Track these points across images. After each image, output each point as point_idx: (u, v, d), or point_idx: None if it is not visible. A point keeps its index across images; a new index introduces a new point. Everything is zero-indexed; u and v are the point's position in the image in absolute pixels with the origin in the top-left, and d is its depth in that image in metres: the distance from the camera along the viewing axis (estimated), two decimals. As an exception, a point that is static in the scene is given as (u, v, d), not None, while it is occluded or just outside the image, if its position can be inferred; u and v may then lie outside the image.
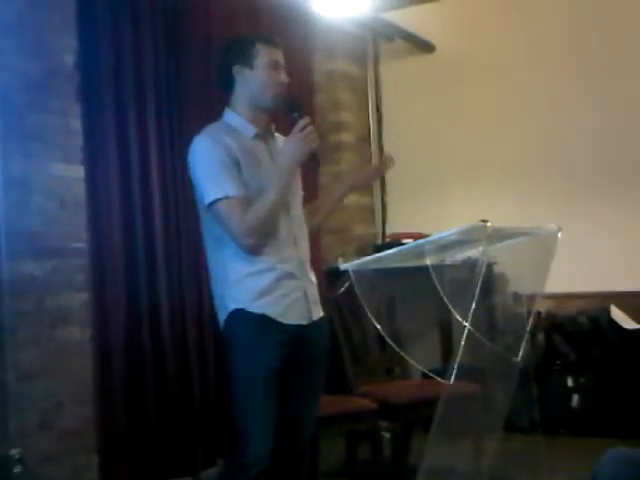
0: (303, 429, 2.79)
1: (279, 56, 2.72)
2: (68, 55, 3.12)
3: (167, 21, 3.79)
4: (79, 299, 3.10)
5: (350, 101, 5.45)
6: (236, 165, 2.61)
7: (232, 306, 2.64)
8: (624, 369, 4.56)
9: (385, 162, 3.02)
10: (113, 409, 3.36)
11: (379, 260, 3.02)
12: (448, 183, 5.31)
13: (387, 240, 5.31)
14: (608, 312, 4.74)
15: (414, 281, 2.88)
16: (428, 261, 2.63)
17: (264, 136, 2.75)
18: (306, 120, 2.61)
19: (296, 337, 2.66)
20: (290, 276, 2.69)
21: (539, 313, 4.52)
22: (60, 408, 2.96)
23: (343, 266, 2.94)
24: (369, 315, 2.94)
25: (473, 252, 2.82)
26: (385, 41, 5.58)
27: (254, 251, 2.61)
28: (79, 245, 3.12)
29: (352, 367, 4.13)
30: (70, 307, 3.05)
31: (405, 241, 4.50)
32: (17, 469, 2.73)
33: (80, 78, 3.18)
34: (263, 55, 2.68)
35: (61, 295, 3.02)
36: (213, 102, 3.43)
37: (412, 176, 5.44)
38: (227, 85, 2.76)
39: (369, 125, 5.58)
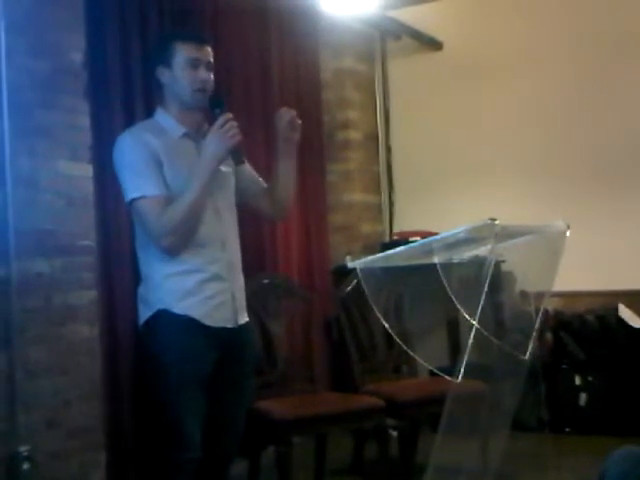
0: (230, 431, 2.77)
1: (201, 53, 2.69)
2: (76, 53, 3.11)
3: (174, 19, 3.79)
4: (87, 297, 3.10)
5: (357, 99, 5.45)
6: (158, 164, 2.58)
7: (157, 306, 2.62)
8: (632, 368, 4.55)
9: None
10: (121, 406, 3.37)
11: (387, 258, 3.01)
12: (455, 181, 5.31)
13: (394, 238, 5.31)
14: (616, 311, 4.73)
15: (422, 279, 2.88)
16: (436, 259, 2.62)
17: (194, 136, 2.71)
18: (227, 116, 2.57)
19: (223, 340, 2.64)
20: (217, 278, 2.66)
21: (547, 311, 4.51)
22: (68, 406, 2.96)
23: (351, 264, 2.93)
24: (377, 313, 2.93)
25: (481, 250, 2.81)
26: (392, 39, 5.57)
27: (172, 252, 2.58)
28: (87, 243, 3.12)
29: (359, 365, 4.14)
30: (78, 305, 3.05)
31: (412, 239, 4.49)
32: (25, 466, 2.73)
33: (88, 76, 3.19)
34: (180, 53, 2.66)
35: (69, 293, 3.02)
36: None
37: (419, 174, 5.45)
38: (157, 86, 2.76)
39: (376, 123, 5.58)
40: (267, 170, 3.05)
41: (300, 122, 2.79)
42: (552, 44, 5.08)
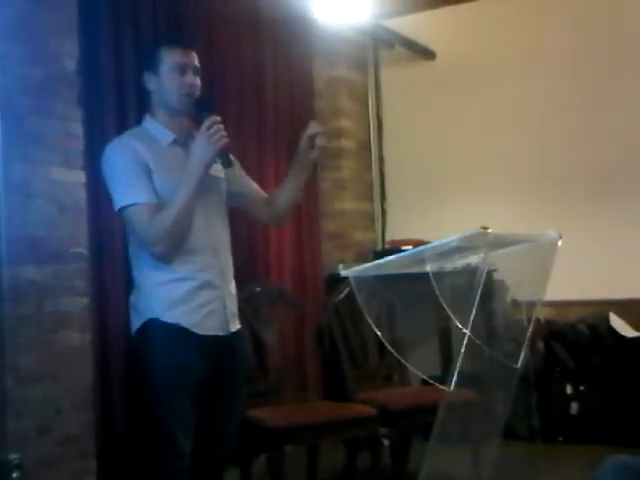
0: (222, 439, 2.77)
1: (187, 57, 2.67)
2: (69, 60, 3.11)
3: (169, 27, 3.80)
4: (79, 304, 3.09)
5: (350, 108, 5.46)
6: (146, 171, 2.56)
7: (147, 315, 2.60)
8: (623, 377, 4.56)
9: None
10: (112, 414, 3.36)
11: (379, 267, 3.02)
12: (448, 190, 5.32)
13: (386, 247, 5.32)
14: (607, 320, 4.74)
15: (414, 288, 2.88)
16: (428, 268, 2.62)
17: (184, 142, 2.69)
18: (213, 119, 2.54)
19: (214, 348, 2.63)
20: (208, 285, 2.63)
21: (538, 320, 4.51)
22: (59, 413, 2.95)
23: (344, 272, 2.93)
24: (369, 321, 2.94)
25: (473, 259, 2.82)
26: (385, 48, 5.59)
27: (164, 259, 2.56)
28: (79, 250, 3.11)
29: (351, 373, 4.13)
30: (70, 312, 3.04)
31: (404, 248, 4.50)
32: (16, 474, 2.71)
33: (81, 83, 3.19)
34: (167, 59, 2.66)
35: (61, 300, 3.01)
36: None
37: (412, 183, 5.46)
38: (145, 93, 2.75)
39: (369, 132, 5.59)
40: (259, 177, 3.05)
41: (322, 144, 2.73)
42: (545, 54, 5.10)
